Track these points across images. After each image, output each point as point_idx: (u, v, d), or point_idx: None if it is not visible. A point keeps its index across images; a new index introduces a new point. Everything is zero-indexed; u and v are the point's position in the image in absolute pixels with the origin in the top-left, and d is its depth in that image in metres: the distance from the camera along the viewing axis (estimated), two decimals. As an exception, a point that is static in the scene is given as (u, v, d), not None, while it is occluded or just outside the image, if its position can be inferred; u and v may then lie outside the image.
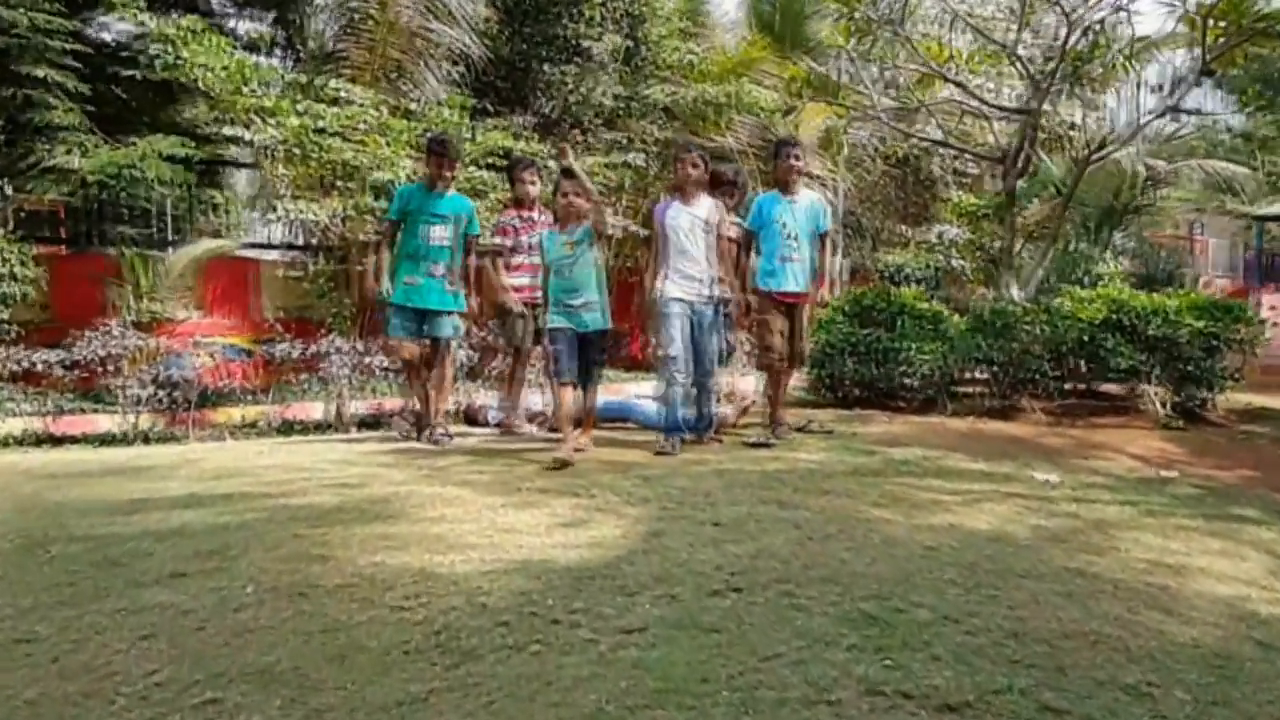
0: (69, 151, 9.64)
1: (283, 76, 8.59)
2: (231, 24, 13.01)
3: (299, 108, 8.39)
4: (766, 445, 5.23)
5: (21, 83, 9.30)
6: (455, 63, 10.81)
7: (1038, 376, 6.86)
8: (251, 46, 13.58)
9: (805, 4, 14.48)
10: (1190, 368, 6.72)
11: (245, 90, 8.05)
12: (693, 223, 5.03)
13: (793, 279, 5.43)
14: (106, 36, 11.92)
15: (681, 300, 4.95)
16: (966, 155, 12.74)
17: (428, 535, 3.16)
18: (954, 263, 12.72)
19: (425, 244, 5.33)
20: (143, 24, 7.83)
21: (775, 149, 5.66)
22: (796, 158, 5.53)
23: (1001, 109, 7.34)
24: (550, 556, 2.96)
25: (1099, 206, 13.49)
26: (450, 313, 5.45)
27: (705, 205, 5.09)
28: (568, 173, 5.02)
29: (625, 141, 11.31)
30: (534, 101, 11.56)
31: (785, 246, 5.40)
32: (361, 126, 8.33)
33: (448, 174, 5.42)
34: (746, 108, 11.71)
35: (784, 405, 5.72)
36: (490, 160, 9.31)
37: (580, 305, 4.87)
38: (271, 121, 8.12)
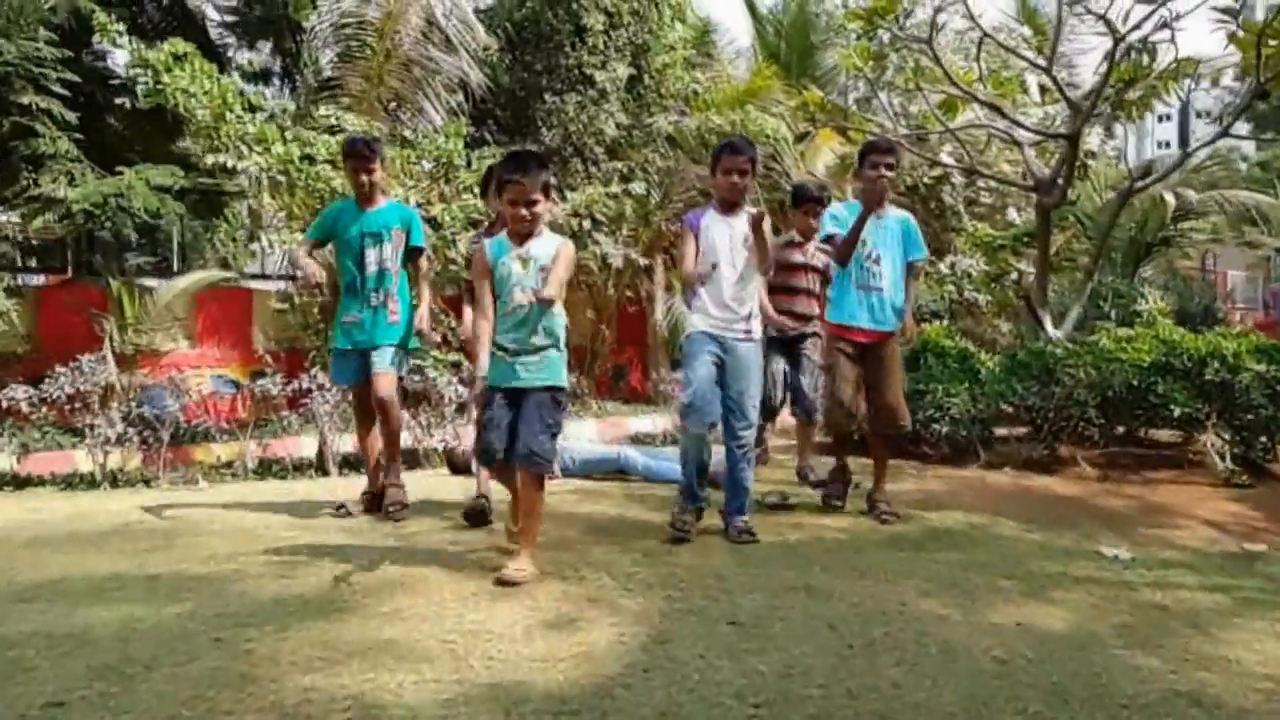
0: (55, 180, 9.30)
1: (273, 104, 8.11)
2: (231, 54, 12.71)
3: (287, 135, 7.94)
4: (787, 507, 4.62)
5: (9, 110, 8.99)
6: (454, 91, 10.42)
7: (1081, 424, 6.24)
8: (255, 76, 13.30)
9: (813, 34, 14.15)
10: (1251, 416, 6.10)
11: (230, 117, 7.59)
12: (732, 238, 3.95)
13: (869, 313, 4.33)
14: (103, 65, 11.60)
15: (709, 335, 3.93)
16: (983, 183, 12.23)
17: (377, 642, 2.56)
18: (968, 294, 12.20)
19: (362, 272, 4.40)
20: (123, 48, 7.40)
21: (861, 155, 4.48)
22: (889, 166, 4.35)
23: (1040, 133, 6.81)
24: (526, 678, 2.35)
25: (1126, 239, 12.93)
26: (390, 345, 4.40)
27: (745, 219, 3.97)
28: (519, 161, 3.39)
29: (628, 171, 10.87)
30: (535, 130, 11.14)
31: (864, 271, 4.33)
32: (385, 176, 7.86)
33: (372, 178, 4.39)
34: (753, 136, 11.25)
35: (840, 465, 4.69)
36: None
37: (528, 352, 3.34)
38: (258, 149, 7.65)
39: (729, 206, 4.02)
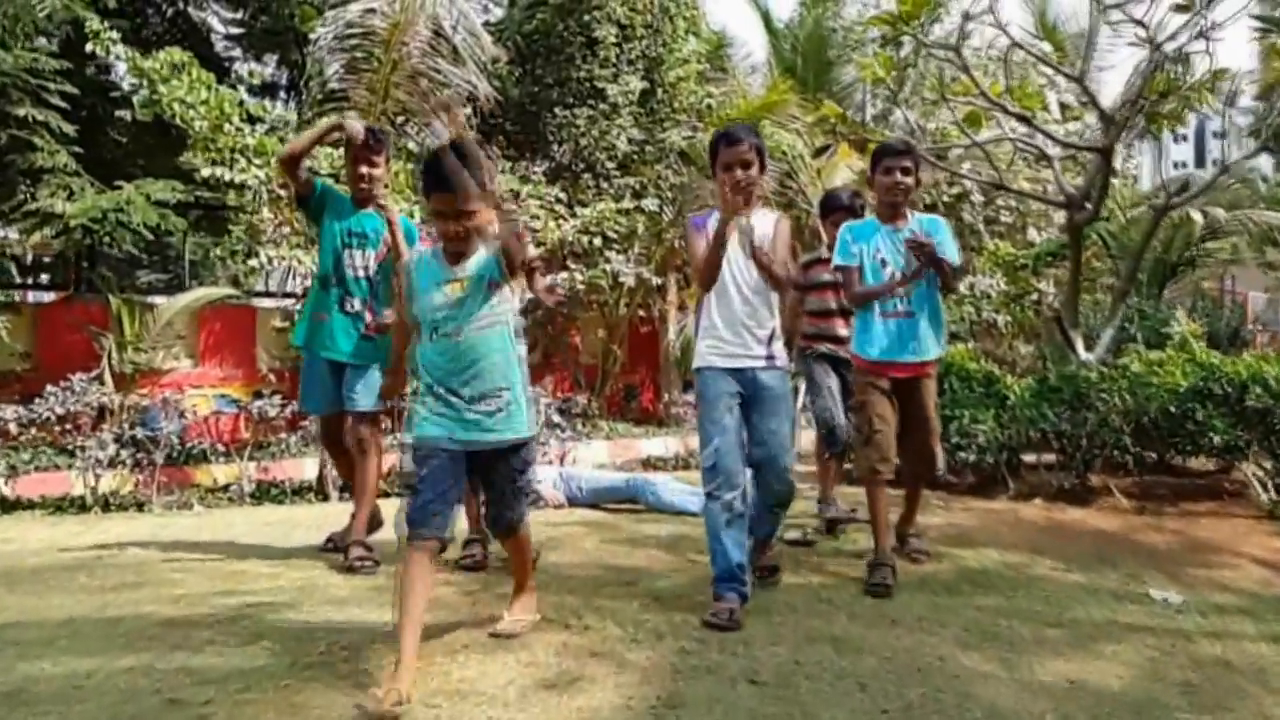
0: (53, 194, 9.13)
1: (274, 115, 7.90)
2: (236, 66, 12.57)
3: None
4: (806, 543, 4.31)
5: (7, 123, 8.84)
6: (463, 105, 10.21)
7: (1115, 453, 5.91)
8: (262, 89, 13.16)
9: (829, 49, 13.95)
10: (1296, 445, 5.76)
11: (229, 128, 7.38)
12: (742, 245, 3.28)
13: (902, 342, 3.71)
14: (104, 78, 11.47)
15: (724, 371, 3.22)
16: (1002, 202, 11.96)
17: (348, 710, 2.27)
18: (986, 315, 11.90)
19: (339, 273, 3.91)
20: (118, 58, 7.21)
21: (874, 160, 3.87)
22: (905, 170, 3.73)
23: (1073, 146, 6.51)
24: (518, 753, 2.06)
25: (1151, 258, 12.59)
26: (368, 367, 3.85)
27: (766, 221, 3.35)
28: (457, 155, 2.62)
29: (640, 187, 10.64)
30: (545, 145, 10.93)
31: (892, 296, 3.72)
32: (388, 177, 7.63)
33: (373, 172, 3.88)
34: (769, 153, 11.01)
35: (887, 526, 3.77)
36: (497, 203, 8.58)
37: (478, 399, 2.67)
38: (258, 161, 7.44)
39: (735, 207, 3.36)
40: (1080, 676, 2.71)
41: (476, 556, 3.73)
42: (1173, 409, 5.89)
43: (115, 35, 7.15)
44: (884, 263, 3.76)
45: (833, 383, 4.53)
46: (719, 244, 3.18)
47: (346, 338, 3.85)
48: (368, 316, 3.89)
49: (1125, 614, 3.40)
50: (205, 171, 7.46)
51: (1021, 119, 5.80)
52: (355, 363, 3.86)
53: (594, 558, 3.93)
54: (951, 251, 3.78)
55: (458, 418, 2.64)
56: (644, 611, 3.11)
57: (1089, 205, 6.22)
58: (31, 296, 11.80)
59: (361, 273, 3.93)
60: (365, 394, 3.84)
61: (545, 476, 5.12)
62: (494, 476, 2.77)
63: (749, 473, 3.26)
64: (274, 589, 3.34)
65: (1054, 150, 6.26)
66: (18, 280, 11.88)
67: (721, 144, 3.31)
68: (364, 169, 3.90)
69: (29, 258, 12.01)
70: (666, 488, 5.03)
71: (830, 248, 4.52)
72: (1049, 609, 3.39)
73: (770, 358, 3.28)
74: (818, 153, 9.53)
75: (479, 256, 2.68)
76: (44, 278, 12.46)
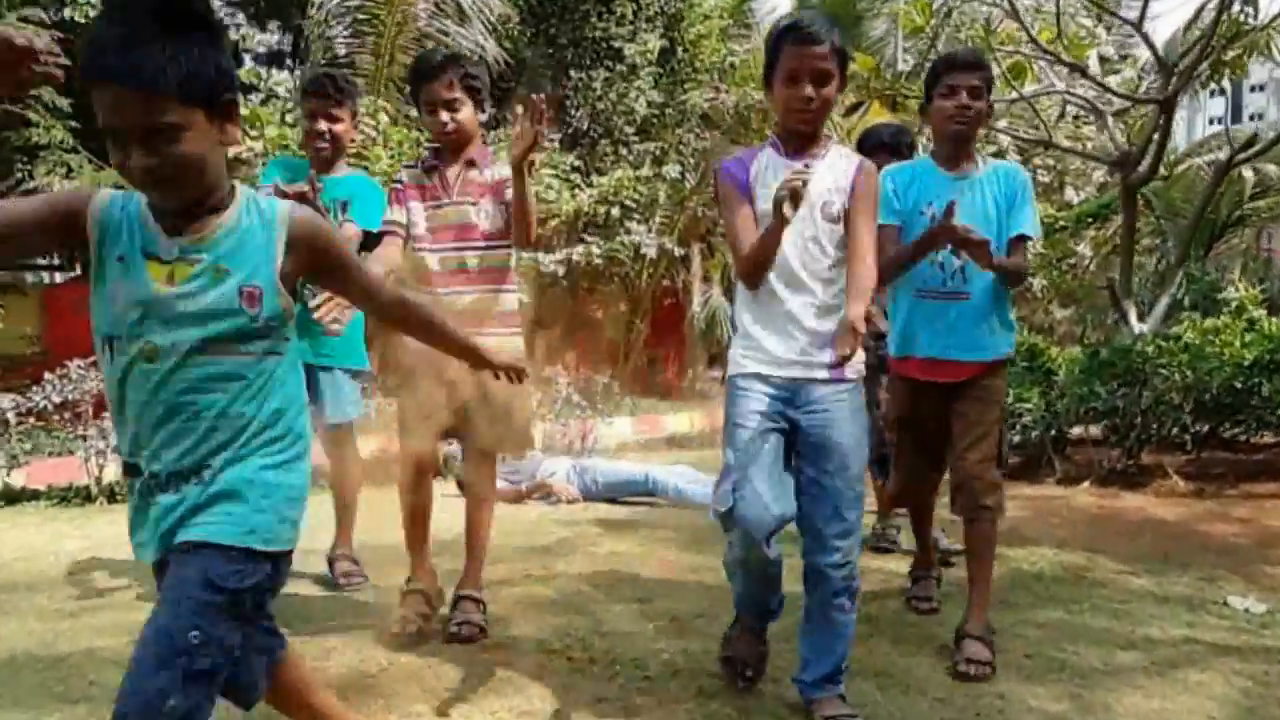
0: (50, 172, 8.88)
1: (270, 82, 7.52)
2: (240, 34, 12.20)
3: (289, 118, 7.37)
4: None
5: None
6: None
7: (1174, 431, 5.47)
8: (268, 59, 12.80)
9: (859, 1, 13.29)
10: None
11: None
12: (809, 203, 2.16)
13: (949, 335, 2.69)
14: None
15: (766, 383, 2.22)
16: (1039, 160, 11.38)
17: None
18: (1021, 278, 11.41)
19: None
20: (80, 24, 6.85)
21: (932, 77, 2.76)
22: (975, 91, 2.64)
23: (1129, 98, 5.97)
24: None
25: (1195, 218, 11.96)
26: (343, 371, 3.25)
27: (842, 169, 2.26)
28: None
29: (660, 152, 10.20)
30: (561, 110, 10.49)
31: (935, 268, 2.67)
32: (357, 138, 7.24)
33: (334, 128, 3.19)
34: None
35: (922, 548, 3.20)
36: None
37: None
38: (253, 133, 7.09)
39: (801, 141, 2.26)
40: (1165, 716, 2.33)
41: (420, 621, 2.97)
42: (1238, 384, 5.43)
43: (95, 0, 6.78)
44: (934, 220, 2.56)
45: (881, 393, 3.44)
46: (776, 231, 2.08)
47: (312, 335, 3.10)
48: (334, 310, 3.01)
49: (1205, 629, 3.00)
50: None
51: (1076, 69, 5.29)
52: (321, 363, 3.20)
53: (606, 567, 3.59)
54: (1029, 221, 2.69)
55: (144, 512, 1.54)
56: (658, 638, 2.76)
57: (1143, 163, 5.72)
58: (42, 278, 11.67)
59: None
60: (343, 405, 3.26)
61: (559, 469, 4.80)
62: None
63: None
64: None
65: (1112, 104, 5.73)
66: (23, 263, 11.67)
67: (787, 41, 2.18)
68: (323, 124, 3.19)
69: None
70: (686, 480, 4.68)
71: None
72: (1119, 626, 3.00)
73: (837, 369, 2.18)
74: (849, 111, 9.02)
75: None
76: (53, 260, 12.28)
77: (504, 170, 2.76)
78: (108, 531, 4.36)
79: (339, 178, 3.24)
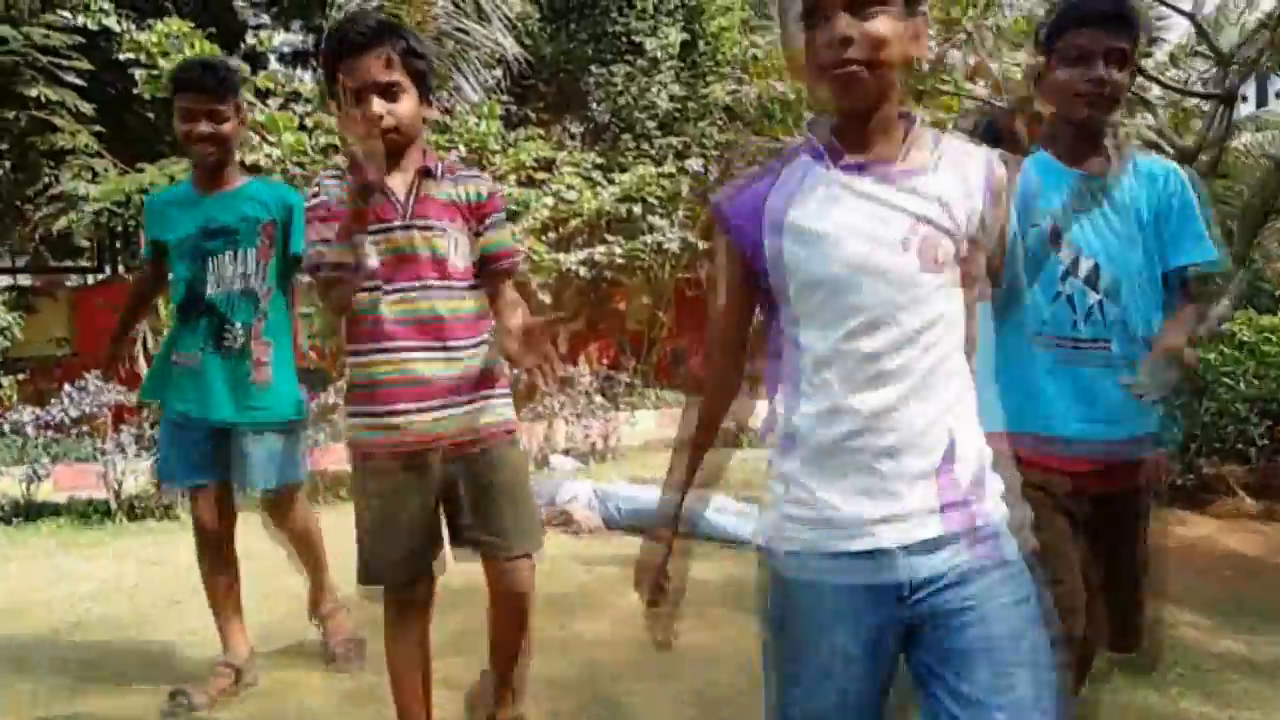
0: (76, 176, 8.89)
1: (286, 85, 7.42)
2: (262, 35, 12.14)
3: (308, 122, 7.25)
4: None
5: (25, 103, 8.59)
6: (493, 66, 9.65)
7: (1239, 446, 5.18)
8: (291, 59, 12.73)
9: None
10: None
11: (240, 103, 6.92)
12: (886, 233, 1.27)
13: (1089, 403, 1.81)
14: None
15: (838, 569, 1.27)
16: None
17: None
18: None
19: (202, 293, 2.63)
20: (107, 29, 6.76)
21: (1054, 31, 1.87)
22: (1118, 58, 1.78)
23: (1187, 93, 5.69)
24: None
25: (1240, 204, 11.54)
26: (268, 429, 2.66)
27: (963, 171, 1.32)
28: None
29: (683, 146, 10.03)
30: (582, 106, 10.34)
31: (1060, 304, 1.83)
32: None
33: (219, 129, 2.58)
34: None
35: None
36: (529, 173, 8.06)
37: None
38: (270, 139, 6.98)
39: (850, 124, 1.39)
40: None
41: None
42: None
43: (108, 5, 6.69)
44: (1057, 237, 1.84)
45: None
46: None
47: (231, 389, 2.61)
48: (256, 351, 2.63)
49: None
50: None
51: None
52: (246, 424, 2.63)
53: (627, 626, 3.21)
54: (1201, 244, 1.87)
55: None
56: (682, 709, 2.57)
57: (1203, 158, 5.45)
58: (85, 280, 11.75)
59: (234, 283, 2.62)
60: (272, 470, 2.67)
61: (579, 494, 4.59)
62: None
63: None
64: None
65: (1160, 96, 5.47)
66: (51, 265, 11.76)
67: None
68: (204, 125, 2.55)
69: (60, 240, 11.88)
70: (713, 508, 4.44)
71: None
72: (1216, 710, 2.73)
73: (977, 530, 1.26)
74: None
75: None
76: (73, 264, 12.36)
77: (482, 186, 2.14)
78: (125, 545, 4.27)
79: (236, 189, 2.68)
